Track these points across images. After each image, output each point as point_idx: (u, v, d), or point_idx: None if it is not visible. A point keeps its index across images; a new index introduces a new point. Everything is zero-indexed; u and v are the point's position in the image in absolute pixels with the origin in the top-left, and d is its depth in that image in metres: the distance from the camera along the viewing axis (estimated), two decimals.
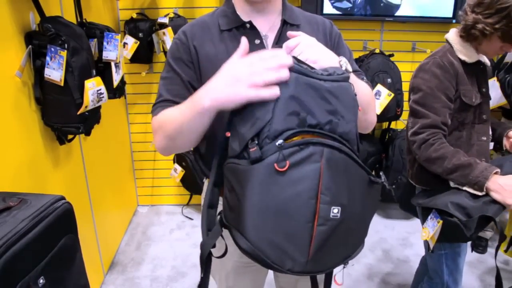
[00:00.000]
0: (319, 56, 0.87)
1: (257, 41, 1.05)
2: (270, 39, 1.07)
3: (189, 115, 0.89)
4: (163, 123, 0.98)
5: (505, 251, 2.11)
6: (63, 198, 1.08)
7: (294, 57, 0.80)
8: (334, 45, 1.13)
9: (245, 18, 1.06)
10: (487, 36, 1.39)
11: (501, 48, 1.43)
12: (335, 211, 0.77)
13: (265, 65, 0.76)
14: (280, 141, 0.74)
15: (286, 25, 1.08)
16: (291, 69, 0.76)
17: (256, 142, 0.76)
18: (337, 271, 0.90)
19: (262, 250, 0.76)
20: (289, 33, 0.93)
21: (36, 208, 1.00)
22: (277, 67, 0.76)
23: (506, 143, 1.60)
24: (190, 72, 1.05)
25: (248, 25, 1.05)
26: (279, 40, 1.06)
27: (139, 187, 3.19)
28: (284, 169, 0.74)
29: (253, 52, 0.82)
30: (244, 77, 0.77)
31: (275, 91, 0.75)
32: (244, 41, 0.83)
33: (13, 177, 1.47)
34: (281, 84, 0.76)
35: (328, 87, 0.78)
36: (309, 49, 0.87)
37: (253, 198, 0.75)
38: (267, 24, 1.08)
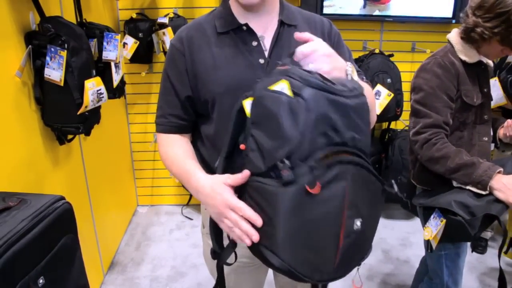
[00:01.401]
0: (332, 66, 0.87)
1: (254, 43, 1.05)
2: (267, 40, 1.06)
3: (185, 183, 1.04)
4: (165, 159, 1.12)
5: (505, 252, 2.11)
6: (62, 198, 1.09)
7: (319, 74, 0.80)
8: (334, 44, 1.12)
9: (241, 20, 1.05)
10: (486, 40, 1.39)
11: (502, 51, 1.43)
12: (358, 223, 0.80)
13: (235, 227, 0.85)
14: (311, 163, 0.75)
15: (284, 26, 1.08)
16: (316, 87, 0.77)
17: (288, 164, 0.76)
18: (353, 274, 0.93)
19: (294, 267, 0.79)
20: (297, 35, 0.90)
21: (36, 208, 1.00)
22: (245, 233, 0.83)
23: (499, 131, 1.59)
24: (185, 81, 1.07)
25: (244, 27, 1.05)
26: (277, 41, 1.06)
27: (139, 187, 3.19)
28: (317, 190, 0.75)
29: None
30: (221, 219, 0.89)
31: (243, 240, 0.84)
32: (245, 173, 0.84)
33: (13, 177, 1.47)
34: (307, 102, 0.76)
35: (352, 104, 0.79)
36: (324, 59, 0.86)
37: (287, 220, 0.77)
38: (264, 25, 1.07)
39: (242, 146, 0.84)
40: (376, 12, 2.67)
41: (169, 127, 1.12)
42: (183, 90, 1.08)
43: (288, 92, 0.77)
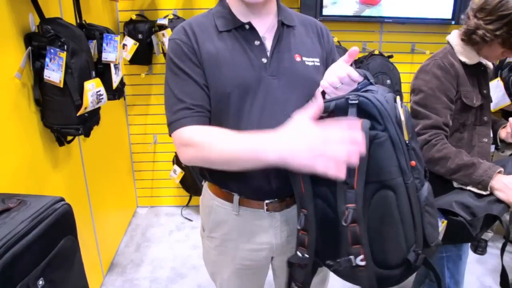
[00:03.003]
0: None
1: (257, 42, 1.05)
2: (268, 40, 1.07)
3: (245, 156, 0.87)
4: (202, 146, 0.94)
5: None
6: (62, 199, 1.08)
7: None
8: (331, 50, 1.15)
9: (242, 19, 1.06)
10: (487, 42, 1.39)
11: (503, 53, 1.42)
12: None
13: (340, 149, 0.74)
14: None
15: (283, 27, 1.08)
16: None
17: None
18: None
19: None
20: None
21: (36, 210, 1.00)
22: (352, 154, 0.74)
23: (501, 131, 1.59)
24: (200, 72, 1.02)
25: (247, 26, 1.05)
26: (278, 41, 1.06)
27: (138, 188, 3.19)
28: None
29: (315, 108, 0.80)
30: (319, 153, 0.75)
31: (341, 175, 0.74)
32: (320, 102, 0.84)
33: (13, 178, 1.47)
34: None
35: None
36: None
37: None
38: (265, 25, 1.08)
39: (413, 163, 0.93)
40: (366, 12, 2.66)
41: (198, 117, 0.99)
42: (202, 80, 1.01)
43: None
